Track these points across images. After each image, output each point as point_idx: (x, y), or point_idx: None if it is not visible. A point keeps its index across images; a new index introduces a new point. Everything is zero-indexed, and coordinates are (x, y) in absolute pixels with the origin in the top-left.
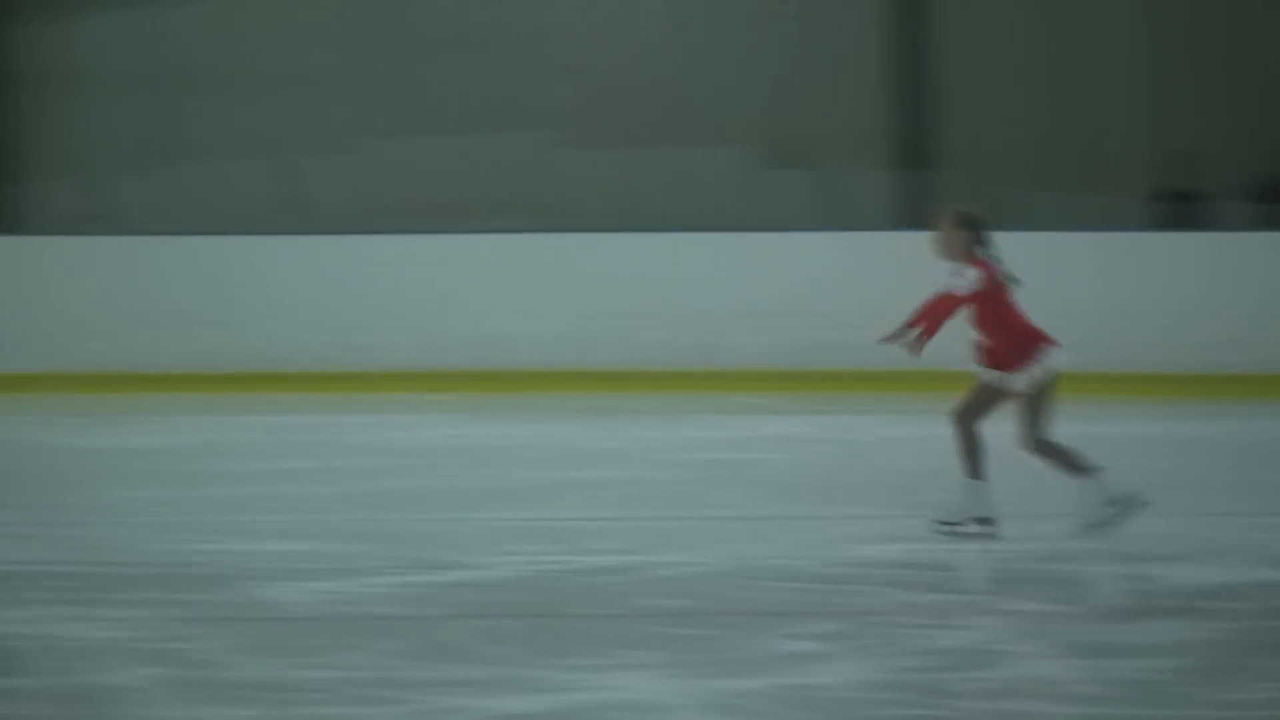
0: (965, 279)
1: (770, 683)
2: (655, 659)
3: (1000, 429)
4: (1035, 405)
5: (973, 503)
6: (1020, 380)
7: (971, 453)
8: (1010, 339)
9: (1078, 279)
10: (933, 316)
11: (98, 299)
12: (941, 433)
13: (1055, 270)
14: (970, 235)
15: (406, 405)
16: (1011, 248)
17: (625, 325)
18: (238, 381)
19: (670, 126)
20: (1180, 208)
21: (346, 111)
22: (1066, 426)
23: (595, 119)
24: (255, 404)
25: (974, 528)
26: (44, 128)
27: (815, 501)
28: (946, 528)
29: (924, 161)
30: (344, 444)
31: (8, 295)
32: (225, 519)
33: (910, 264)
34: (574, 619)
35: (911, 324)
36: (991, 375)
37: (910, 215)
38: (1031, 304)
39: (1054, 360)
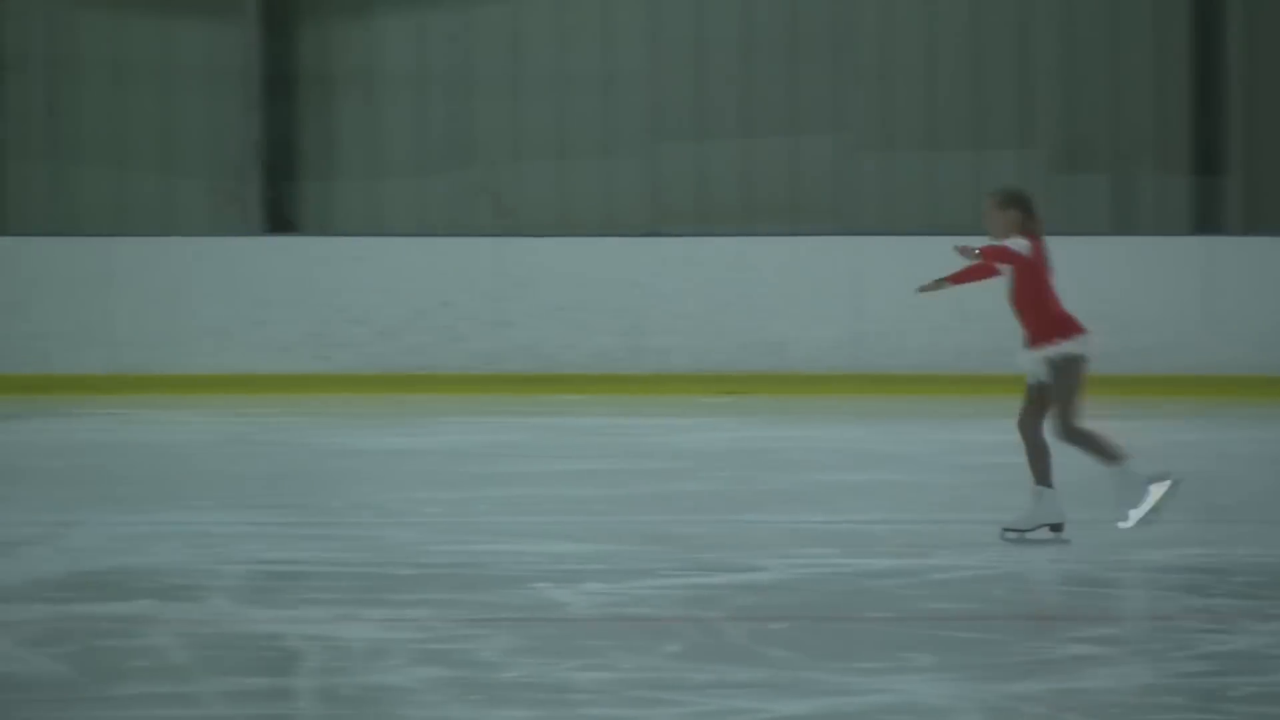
0: (1018, 244)
1: (1049, 687)
2: (935, 662)
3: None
4: (1065, 392)
5: (1042, 510)
6: (1042, 358)
7: (1037, 460)
8: (1044, 319)
9: None
10: (988, 252)
11: (383, 299)
12: (1219, 438)
13: None
14: (1018, 214)
15: (688, 408)
16: None
17: (914, 329)
18: (521, 382)
19: (966, 130)
20: None
21: (638, 113)
22: None
23: (891, 122)
24: (537, 405)
25: (1045, 535)
26: (332, 128)
27: (1095, 506)
28: (1015, 535)
29: (1220, 167)
30: (625, 445)
31: (290, 296)
32: (506, 520)
33: (1204, 269)
34: (854, 622)
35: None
36: (1034, 377)
37: (1205, 221)
38: None
39: (1084, 347)
